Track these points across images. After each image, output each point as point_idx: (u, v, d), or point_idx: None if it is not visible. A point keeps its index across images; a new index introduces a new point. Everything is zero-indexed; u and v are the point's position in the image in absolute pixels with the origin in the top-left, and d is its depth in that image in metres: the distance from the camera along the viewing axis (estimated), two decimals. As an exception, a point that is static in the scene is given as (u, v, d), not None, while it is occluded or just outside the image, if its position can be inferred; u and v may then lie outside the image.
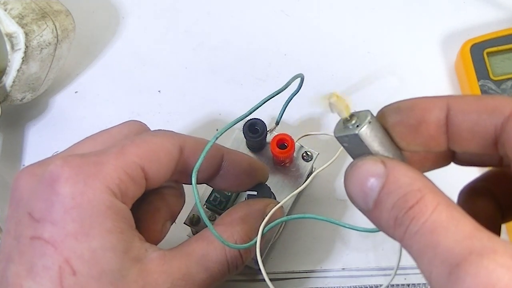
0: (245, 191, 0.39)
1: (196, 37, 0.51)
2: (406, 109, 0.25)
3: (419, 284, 0.43)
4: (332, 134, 0.44)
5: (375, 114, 0.26)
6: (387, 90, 0.48)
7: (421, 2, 0.52)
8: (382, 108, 0.25)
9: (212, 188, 0.42)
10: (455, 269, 0.20)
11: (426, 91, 0.48)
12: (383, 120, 0.25)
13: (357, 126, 0.24)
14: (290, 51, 0.50)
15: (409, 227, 0.22)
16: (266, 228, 0.40)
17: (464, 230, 0.21)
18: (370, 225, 0.45)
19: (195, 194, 0.33)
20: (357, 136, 0.24)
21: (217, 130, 0.48)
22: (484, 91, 0.46)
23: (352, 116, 0.24)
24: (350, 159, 0.47)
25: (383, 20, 0.51)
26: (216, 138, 0.38)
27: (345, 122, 0.24)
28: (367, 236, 0.44)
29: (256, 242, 0.35)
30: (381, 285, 0.43)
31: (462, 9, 0.51)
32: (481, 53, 0.47)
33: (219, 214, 0.41)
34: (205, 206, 0.42)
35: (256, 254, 0.39)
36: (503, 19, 0.50)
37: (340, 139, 0.25)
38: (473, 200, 0.28)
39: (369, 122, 0.24)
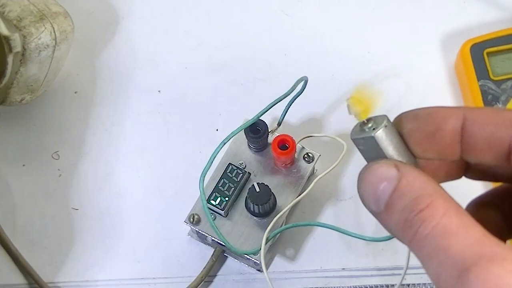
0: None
1: (196, 37, 0.51)
2: (423, 116, 0.25)
3: (419, 284, 0.43)
4: (334, 136, 0.44)
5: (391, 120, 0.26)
6: (387, 90, 0.48)
7: (421, 2, 0.52)
8: (400, 114, 0.26)
9: (212, 188, 0.42)
10: (465, 273, 0.20)
11: (426, 91, 0.48)
12: (400, 126, 0.25)
13: (374, 129, 0.25)
14: (290, 51, 0.50)
15: (419, 230, 0.22)
16: (271, 235, 0.40)
17: (474, 235, 0.21)
18: (368, 231, 0.45)
19: (203, 200, 0.34)
20: (372, 138, 0.24)
21: (217, 130, 0.48)
22: (484, 91, 0.46)
23: (369, 119, 0.25)
24: (351, 161, 0.48)
25: (383, 20, 0.51)
26: (224, 144, 0.39)
27: (361, 125, 0.25)
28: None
29: (260, 249, 0.35)
30: (381, 285, 0.43)
31: (462, 9, 0.51)
32: (481, 53, 0.47)
33: (219, 214, 0.41)
34: None
35: (261, 260, 0.39)
36: (503, 19, 0.50)
37: (356, 141, 0.25)
38: (480, 211, 0.28)
39: (385, 126, 0.24)
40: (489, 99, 0.45)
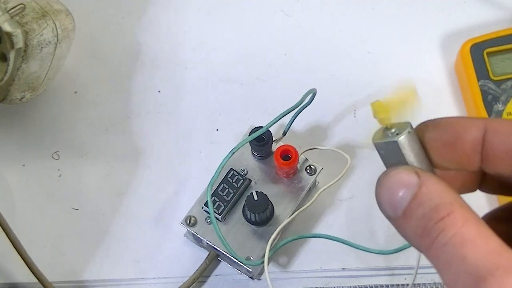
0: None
1: (196, 37, 0.51)
2: (444, 125, 0.25)
3: (419, 284, 0.43)
4: (338, 150, 0.44)
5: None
6: (387, 90, 0.48)
7: (421, 2, 0.52)
8: (421, 123, 0.26)
9: (211, 192, 0.41)
10: (482, 282, 0.21)
11: (426, 91, 0.48)
12: (421, 134, 0.26)
13: (397, 134, 0.25)
14: (290, 51, 0.50)
15: (437, 238, 0.22)
16: (278, 246, 0.41)
17: (492, 246, 0.22)
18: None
19: (210, 205, 0.33)
20: (395, 144, 0.25)
21: (217, 130, 0.48)
22: (484, 91, 0.46)
23: (392, 125, 0.25)
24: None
25: (383, 20, 0.51)
26: (233, 153, 0.39)
27: (385, 130, 0.25)
28: (367, 236, 0.44)
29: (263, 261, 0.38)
30: (381, 285, 0.43)
31: (462, 9, 0.51)
32: (481, 53, 0.47)
33: (217, 218, 0.41)
34: (203, 209, 0.42)
35: (265, 270, 0.40)
36: (503, 19, 0.50)
37: (377, 145, 0.26)
38: (493, 226, 0.28)
39: (408, 132, 0.25)
40: (489, 99, 0.45)
